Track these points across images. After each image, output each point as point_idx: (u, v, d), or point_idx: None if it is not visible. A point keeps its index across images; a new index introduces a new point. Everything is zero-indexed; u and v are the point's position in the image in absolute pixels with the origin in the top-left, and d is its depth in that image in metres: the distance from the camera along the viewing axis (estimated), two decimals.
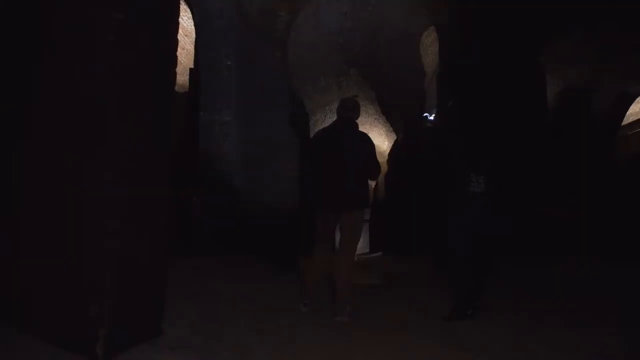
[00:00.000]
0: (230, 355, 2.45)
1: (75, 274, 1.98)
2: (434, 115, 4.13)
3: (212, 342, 2.56)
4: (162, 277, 2.34)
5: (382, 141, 15.48)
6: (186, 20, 8.14)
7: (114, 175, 1.98)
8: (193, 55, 7.57)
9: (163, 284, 2.35)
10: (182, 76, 7.77)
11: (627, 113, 11.30)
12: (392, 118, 13.43)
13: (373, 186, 19.58)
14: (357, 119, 4.01)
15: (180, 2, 2.92)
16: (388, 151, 14.83)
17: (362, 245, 22.31)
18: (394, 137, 13.96)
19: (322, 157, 3.82)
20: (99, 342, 1.89)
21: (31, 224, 2.14)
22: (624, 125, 11.52)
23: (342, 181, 3.68)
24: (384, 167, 16.25)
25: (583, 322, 3.31)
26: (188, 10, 7.64)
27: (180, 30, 2.57)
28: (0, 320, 2.11)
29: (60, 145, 2.09)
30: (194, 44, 7.64)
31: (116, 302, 1.96)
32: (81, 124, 2.04)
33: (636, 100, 11.08)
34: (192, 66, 7.54)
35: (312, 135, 7.54)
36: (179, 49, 2.51)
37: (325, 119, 13.21)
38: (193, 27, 7.77)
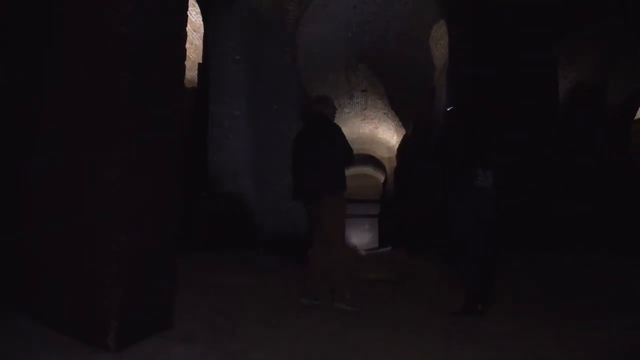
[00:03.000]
0: (240, 348, 2.46)
1: (88, 267, 2.00)
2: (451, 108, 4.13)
3: (221, 335, 2.58)
4: (171, 271, 2.36)
5: (391, 136, 15.43)
6: (194, 15, 8.15)
7: (124, 170, 1.99)
8: (201, 51, 7.58)
9: (173, 277, 2.37)
10: (191, 71, 7.80)
11: None
12: (401, 113, 13.37)
13: (383, 180, 19.58)
14: (326, 111, 4.07)
15: None
16: (397, 146, 14.80)
17: (371, 240, 22.41)
18: (403, 131, 13.91)
19: (297, 154, 3.99)
20: (111, 333, 1.91)
21: (45, 218, 2.16)
22: (637, 120, 11.37)
23: (311, 172, 3.79)
24: (392, 162, 16.30)
25: (593, 317, 3.28)
26: (196, 5, 7.65)
27: (188, 25, 2.57)
28: (16, 311, 2.14)
29: (73, 139, 2.11)
30: (202, 39, 7.66)
31: (127, 294, 1.98)
32: (93, 117, 2.06)
33: None
34: (201, 61, 7.56)
35: None
36: (187, 44, 2.52)
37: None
38: (201, 22, 7.79)
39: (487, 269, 3.66)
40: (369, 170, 20.32)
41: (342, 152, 3.84)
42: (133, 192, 2.04)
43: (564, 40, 7.86)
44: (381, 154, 17.55)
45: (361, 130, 15.02)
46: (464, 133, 3.78)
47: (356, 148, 13.73)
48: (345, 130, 4.26)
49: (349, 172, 13.40)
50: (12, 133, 2.34)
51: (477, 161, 3.64)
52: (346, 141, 3.89)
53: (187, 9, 2.52)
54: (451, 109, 4.13)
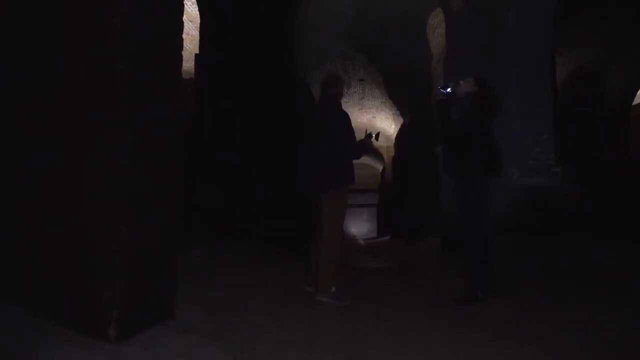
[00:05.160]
0: (242, 339, 2.48)
1: (88, 261, 2.00)
2: (450, 88, 3.74)
3: (224, 326, 2.60)
4: (173, 262, 2.37)
5: (389, 125, 15.41)
6: (190, 5, 8.07)
7: (124, 168, 1.99)
8: (198, 41, 7.52)
9: (174, 269, 2.38)
10: (188, 62, 7.74)
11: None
12: (398, 102, 13.33)
13: (381, 170, 19.57)
14: (336, 93, 3.87)
15: None
16: (395, 135, 14.78)
17: (370, 229, 22.48)
18: (400, 121, 13.88)
19: (303, 138, 3.84)
20: (112, 325, 1.92)
21: (45, 209, 2.16)
22: (635, 105, 11.35)
23: (316, 162, 3.67)
24: (391, 152, 16.28)
25: (593, 304, 3.30)
26: None
27: (184, 16, 2.55)
28: (15, 303, 2.15)
29: (73, 139, 2.10)
30: (198, 29, 7.59)
31: (129, 285, 1.98)
32: (93, 116, 2.05)
33: None
34: (198, 52, 7.50)
35: None
36: (183, 35, 2.50)
37: None
38: (197, 13, 7.72)
39: (487, 257, 3.67)
40: (367, 159, 20.33)
41: (350, 148, 3.71)
42: (133, 189, 2.03)
43: (563, 27, 7.82)
44: (379, 143, 17.55)
45: (359, 120, 14.98)
46: (468, 124, 3.70)
47: None
48: None
49: None
50: (12, 133, 2.33)
51: (483, 151, 3.62)
52: (350, 133, 3.74)
53: (183, 8, 2.50)
54: (447, 92, 3.87)
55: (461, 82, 3.82)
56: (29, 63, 2.28)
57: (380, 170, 20.01)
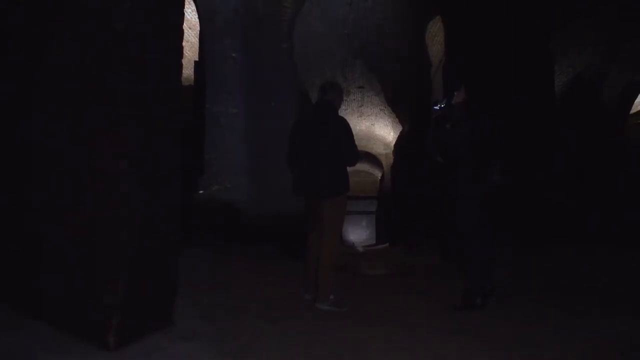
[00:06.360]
0: (241, 344, 2.47)
1: (89, 263, 2.00)
2: (441, 104, 3.90)
3: (223, 331, 2.59)
4: (172, 268, 2.36)
5: (387, 132, 15.43)
6: (190, 13, 8.11)
7: (126, 165, 1.99)
8: (198, 48, 7.56)
9: (174, 274, 2.37)
10: (187, 69, 7.76)
11: (636, 101, 11.20)
12: (398, 109, 13.36)
13: (380, 177, 19.58)
14: (336, 101, 3.89)
15: None
16: (394, 142, 14.80)
17: (369, 236, 22.43)
18: (399, 128, 13.90)
19: (298, 143, 3.80)
20: (112, 331, 1.91)
21: (46, 213, 2.16)
22: (632, 114, 11.42)
23: (315, 167, 3.63)
24: (390, 159, 16.28)
25: (592, 309, 3.30)
26: (192, 3, 7.62)
27: (184, 23, 2.57)
28: (14, 307, 2.14)
29: (73, 139, 2.10)
30: (198, 36, 7.63)
31: (130, 291, 1.97)
32: (93, 115, 2.05)
33: None
34: (197, 59, 7.53)
35: None
36: (183, 42, 2.51)
37: None
38: (197, 20, 7.76)
39: (487, 263, 3.67)
40: (365, 166, 20.34)
41: (349, 154, 3.71)
42: (134, 190, 2.03)
43: (559, 34, 7.88)
44: (378, 150, 17.57)
45: (358, 127, 15.00)
46: (468, 129, 3.71)
47: None
48: None
49: None
50: (13, 132, 2.33)
51: (484, 155, 3.64)
52: (352, 139, 3.72)
53: (183, 7, 2.51)
54: (441, 107, 3.94)
55: (455, 93, 3.89)
56: (30, 60, 2.28)
57: (379, 178, 20.02)
